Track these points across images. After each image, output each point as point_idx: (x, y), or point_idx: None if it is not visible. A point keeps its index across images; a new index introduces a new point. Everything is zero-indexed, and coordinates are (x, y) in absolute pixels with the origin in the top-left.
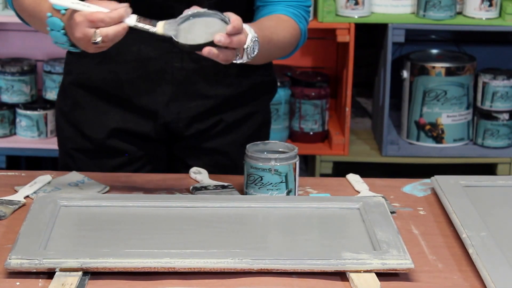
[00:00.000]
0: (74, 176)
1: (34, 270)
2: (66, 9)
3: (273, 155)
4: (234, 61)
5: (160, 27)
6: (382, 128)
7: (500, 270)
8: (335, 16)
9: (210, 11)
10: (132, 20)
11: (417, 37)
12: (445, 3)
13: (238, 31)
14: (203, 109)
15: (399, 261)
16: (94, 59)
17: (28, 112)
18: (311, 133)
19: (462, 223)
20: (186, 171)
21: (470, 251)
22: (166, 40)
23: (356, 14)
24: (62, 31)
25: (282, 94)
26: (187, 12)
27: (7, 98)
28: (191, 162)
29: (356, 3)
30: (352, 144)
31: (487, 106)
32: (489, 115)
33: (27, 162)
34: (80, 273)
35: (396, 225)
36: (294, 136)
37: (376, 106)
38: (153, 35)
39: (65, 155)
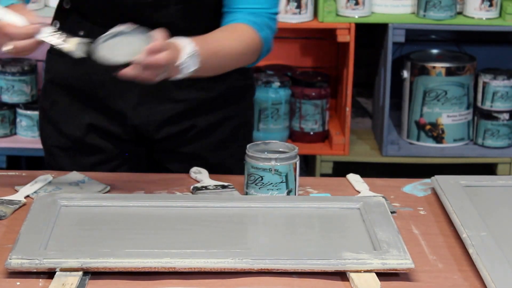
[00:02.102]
0: (75, 176)
1: (35, 270)
2: None
3: (274, 155)
4: (171, 79)
5: (73, 45)
6: (382, 128)
7: (500, 270)
8: (336, 16)
9: (137, 30)
10: (44, 34)
11: (417, 37)
12: (445, 3)
13: (157, 50)
14: (173, 113)
15: (399, 261)
16: (70, 59)
17: (29, 112)
18: (312, 133)
19: (462, 223)
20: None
21: (470, 251)
22: None
23: (357, 14)
24: None
25: (282, 94)
26: (115, 29)
27: (7, 98)
28: (170, 166)
29: (357, 3)
30: (353, 144)
31: (487, 106)
32: (489, 115)
33: (28, 162)
34: (81, 273)
35: (396, 225)
36: (294, 136)
37: (377, 106)
38: None
39: (47, 153)
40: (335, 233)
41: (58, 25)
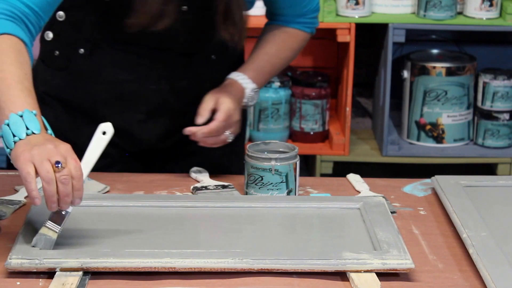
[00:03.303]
0: None
1: (35, 270)
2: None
3: (274, 155)
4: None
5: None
6: (382, 128)
7: (500, 270)
8: (336, 16)
9: None
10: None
11: (417, 37)
12: (445, 3)
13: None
14: (177, 125)
15: (399, 261)
16: (68, 75)
17: None
18: (312, 133)
19: (463, 223)
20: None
21: (471, 251)
22: (141, 64)
23: (357, 14)
24: (29, 131)
25: (282, 94)
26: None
27: None
28: (170, 166)
29: (357, 3)
30: (353, 144)
31: (487, 106)
32: (489, 115)
33: None
34: (81, 273)
35: (397, 225)
36: (294, 136)
37: (377, 106)
38: (128, 61)
39: None
40: (335, 233)
41: (51, 37)
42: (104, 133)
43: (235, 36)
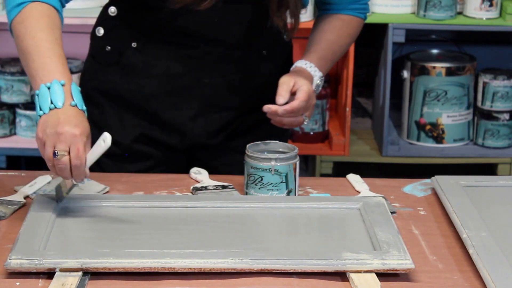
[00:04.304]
0: None
1: (34, 270)
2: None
3: (273, 155)
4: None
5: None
6: (382, 128)
7: (500, 270)
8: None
9: None
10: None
11: (417, 37)
12: (445, 3)
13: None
14: (228, 119)
15: (399, 261)
16: (119, 70)
17: (28, 112)
18: (312, 133)
19: (463, 223)
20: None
21: (471, 251)
22: (194, 57)
23: None
24: (52, 105)
25: None
26: None
27: (7, 98)
28: (210, 163)
29: None
30: (353, 144)
31: (487, 106)
32: (489, 115)
33: (27, 162)
34: (80, 273)
35: (396, 225)
36: (294, 136)
37: (377, 106)
38: (181, 54)
39: None
40: (335, 233)
41: (102, 32)
42: (103, 141)
43: (288, 24)
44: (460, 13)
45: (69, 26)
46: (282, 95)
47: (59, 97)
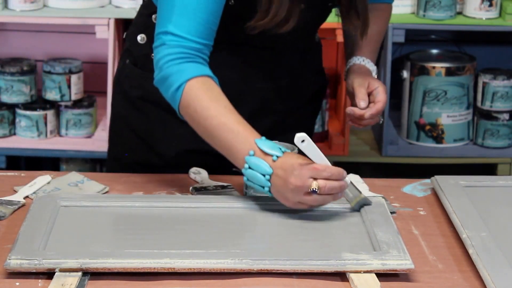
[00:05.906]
0: (74, 176)
1: (34, 271)
2: (278, 157)
3: None
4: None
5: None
6: (382, 128)
7: (500, 271)
8: (335, 16)
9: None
10: (348, 180)
11: (417, 37)
12: (445, 3)
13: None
14: (274, 123)
15: (399, 261)
16: None
17: (28, 112)
18: None
19: (462, 223)
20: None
21: (470, 251)
22: (248, 63)
23: None
24: (267, 176)
25: None
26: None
27: (6, 98)
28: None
29: None
30: (352, 144)
31: (487, 106)
32: (489, 115)
33: (27, 162)
34: (80, 273)
35: (396, 226)
36: None
37: None
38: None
39: (124, 166)
40: (335, 233)
41: (145, 40)
42: (302, 141)
43: (359, 27)
44: (459, 13)
45: (69, 26)
46: (364, 99)
47: (263, 164)
